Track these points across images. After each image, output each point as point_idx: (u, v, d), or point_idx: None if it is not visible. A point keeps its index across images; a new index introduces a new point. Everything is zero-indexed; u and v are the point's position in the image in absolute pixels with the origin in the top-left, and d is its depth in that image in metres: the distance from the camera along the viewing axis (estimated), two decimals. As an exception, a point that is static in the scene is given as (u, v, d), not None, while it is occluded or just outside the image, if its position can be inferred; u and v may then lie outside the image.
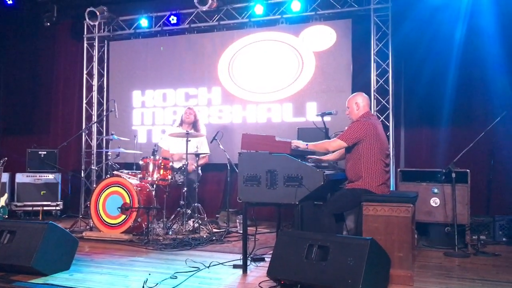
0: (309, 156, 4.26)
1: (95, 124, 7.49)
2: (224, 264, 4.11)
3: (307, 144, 4.04)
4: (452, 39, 5.87)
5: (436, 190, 4.95)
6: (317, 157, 4.22)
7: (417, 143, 6.30)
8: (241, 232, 5.65)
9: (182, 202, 5.64)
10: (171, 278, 3.58)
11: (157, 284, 3.39)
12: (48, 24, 7.84)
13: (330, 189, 4.32)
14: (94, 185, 5.78)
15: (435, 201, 4.96)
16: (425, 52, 6.01)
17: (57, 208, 7.04)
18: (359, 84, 6.21)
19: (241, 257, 3.97)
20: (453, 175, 4.75)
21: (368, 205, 3.64)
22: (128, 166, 6.23)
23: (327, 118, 4.77)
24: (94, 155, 7.58)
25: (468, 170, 4.91)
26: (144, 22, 7.37)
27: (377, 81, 6.25)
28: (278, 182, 3.74)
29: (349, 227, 4.63)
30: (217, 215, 6.62)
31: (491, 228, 5.36)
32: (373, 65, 6.26)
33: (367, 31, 6.29)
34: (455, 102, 5.93)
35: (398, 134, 6.35)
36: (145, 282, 3.31)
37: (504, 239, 5.28)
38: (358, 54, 6.41)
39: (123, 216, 5.29)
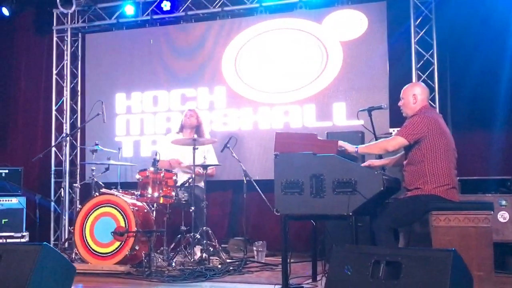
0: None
1: (77, 131, 7.43)
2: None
3: (356, 147, 4.10)
4: (509, 24, 6.01)
5: (504, 202, 5.03)
6: (370, 161, 4.23)
7: (469, 149, 6.33)
8: (262, 261, 5.71)
9: (183, 228, 5.60)
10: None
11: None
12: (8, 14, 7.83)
13: (378, 202, 4.35)
14: (79, 206, 5.68)
15: (503, 216, 5.03)
16: (476, 40, 6.14)
17: (22, 240, 6.90)
18: (397, 79, 6.30)
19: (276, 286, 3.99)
20: (527, 182, 4.83)
21: (438, 214, 3.69)
22: (110, 186, 6.09)
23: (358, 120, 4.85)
24: (67, 173, 7.51)
25: (547, 176, 5.01)
26: (129, 10, 7.42)
27: (419, 76, 6.37)
28: (325, 189, 3.76)
29: (399, 245, 4.64)
30: (223, 245, 6.58)
31: None
32: (413, 57, 6.39)
33: (405, 16, 6.44)
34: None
35: (446, 139, 6.42)
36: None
37: None
38: (395, 44, 6.54)
39: (117, 243, 5.23)
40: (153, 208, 5.48)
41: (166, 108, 7.28)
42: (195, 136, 5.73)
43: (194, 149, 5.55)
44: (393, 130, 5.54)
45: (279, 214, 3.91)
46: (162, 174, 5.38)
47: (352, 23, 6.63)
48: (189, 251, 5.45)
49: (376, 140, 4.48)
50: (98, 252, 5.29)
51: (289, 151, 3.98)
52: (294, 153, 3.92)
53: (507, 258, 5.07)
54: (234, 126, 6.96)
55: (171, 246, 5.61)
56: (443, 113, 6.34)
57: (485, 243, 3.57)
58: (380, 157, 4.58)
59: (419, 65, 6.38)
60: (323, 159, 3.82)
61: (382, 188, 3.65)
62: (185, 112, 6.31)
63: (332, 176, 3.75)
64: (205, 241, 5.55)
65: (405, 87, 4.28)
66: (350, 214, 3.69)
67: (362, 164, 4.14)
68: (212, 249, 5.56)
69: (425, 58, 6.36)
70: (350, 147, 4.09)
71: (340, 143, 4.06)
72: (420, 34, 6.39)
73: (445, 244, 3.58)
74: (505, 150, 6.08)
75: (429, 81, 6.30)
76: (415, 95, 4.17)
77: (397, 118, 5.15)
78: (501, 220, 5.05)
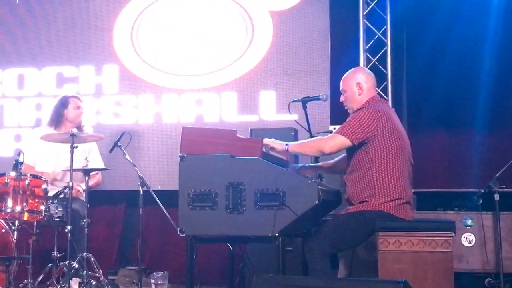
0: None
1: None
2: None
3: (286, 144, 4.14)
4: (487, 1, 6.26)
5: (469, 222, 5.22)
6: (302, 164, 4.31)
7: (427, 155, 6.58)
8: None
9: (55, 254, 5.48)
10: None
11: None
12: None
13: (312, 220, 4.42)
14: None
15: (468, 239, 5.22)
16: (445, 17, 6.35)
17: None
18: (341, 61, 6.45)
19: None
20: (497, 197, 5.03)
21: (386, 236, 3.79)
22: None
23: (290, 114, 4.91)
24: None
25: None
26: (-14, -43, 7.21)
27: (368, 59, 6.55)
28: (245, 203, 3.79)
29: (339, 275, 4.74)
30: (110, 277, 6.51)
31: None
32: (362, 35, 6.58)
33: (352, -18, 6.62)
34: (487, 98, 6.28)
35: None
36: None
37: None
38: (339, 17, 6.70)
39: (-38, 275, 5.07)
40: (13, 228, 5.31)
41: (36, 91, 7.15)
42: (74, 130, 5.61)
43: (73, 147, 5.42)
44: (334, 128, 5.62)
45: (184, 235, 3.89)
46: (27, 182, 5.22)
47: (285, -13, 6.74)
48: (64, 285, 5.34)
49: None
50: None
51: (200, 153, 3.97)
52: (206, 155, 3.92)
53: (472, 291, 5.28)
54: (129, 119, 6.93)
55: (39, 279, 5.49)
56: (396, 108, 6.56)
57: (444, 273, 3.69)
58: (316, 160, 4.64)
59: (368, 46, 6.57)
60: (243, 164, 3.84)
61: (317, 202, 3.69)
62: (72, 101, 6.09)
63: (255, 186, 3.78)
64: (85, 272, 5.46)
65: (344, 76, 4.38)
66: (276, 235, 3.72)
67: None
68: (94, 283, 5.48)
69: (376, 37, 6.55)
70: (278, 145, 4.15)
71: (266, 141, 4.10)
72: (371, 6, 6.57)
73: (394, 273, 3.68)
74: (476, 157, 6.31)
75: (380, 66, 6.51)
76: (359, 83, 4.27)
77: (339, 112, 5.23)
78: (466, 244, 5.25)
